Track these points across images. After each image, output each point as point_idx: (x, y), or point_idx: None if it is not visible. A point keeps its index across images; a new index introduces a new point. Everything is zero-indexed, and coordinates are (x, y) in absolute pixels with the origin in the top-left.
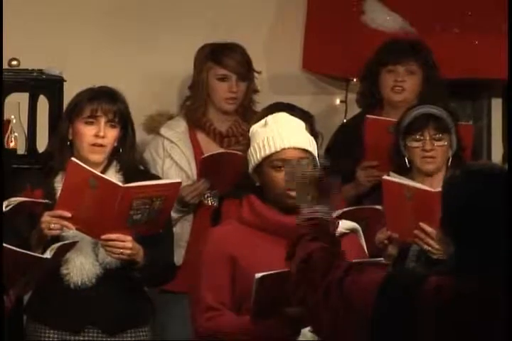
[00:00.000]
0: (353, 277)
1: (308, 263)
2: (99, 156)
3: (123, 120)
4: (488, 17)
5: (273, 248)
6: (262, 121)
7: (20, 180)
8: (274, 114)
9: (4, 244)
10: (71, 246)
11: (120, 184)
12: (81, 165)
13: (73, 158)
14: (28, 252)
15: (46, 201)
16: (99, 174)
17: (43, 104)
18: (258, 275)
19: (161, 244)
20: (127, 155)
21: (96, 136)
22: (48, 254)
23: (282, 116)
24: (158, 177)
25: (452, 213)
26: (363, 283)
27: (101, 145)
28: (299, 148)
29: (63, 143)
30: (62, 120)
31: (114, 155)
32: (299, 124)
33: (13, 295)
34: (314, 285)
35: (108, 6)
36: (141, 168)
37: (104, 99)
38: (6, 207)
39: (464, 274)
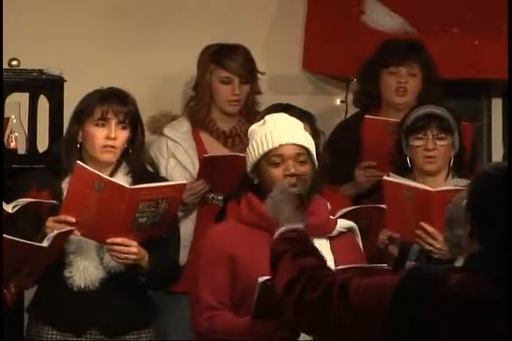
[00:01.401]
0: (359, 281)
1: (299, 283)
2: (110, 156)
3: (133, 121)
4: (488, 17)
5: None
6: (261, 121)
7: (24, 180)
8: (272, 114)
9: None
10: (68, 234)
11: (127, 186)
12: (87, 169)
13: (79, 162)
14: (26, 241)
15: (54, 202)
16: (106, 176)
17: (43, 104)
18: (261, 279)
19: (167, 246)
20: (137, 157)
21: (107, 137)
22: (45, 243)
23: (280, 116)
24: (166, 180)
25: (481, 212)
26: (374, 285)
27: (112, 147)
28: (296, 145)
29: (72, 146)
30: (71, 122)
31: (123, 157)
32: (297, 123)
33: (14, 288)
34: (305, 300)
35: (110, 6)
36: (151, 170)
37: (115, 100)
38: (14, 207)
39: (489, 273)
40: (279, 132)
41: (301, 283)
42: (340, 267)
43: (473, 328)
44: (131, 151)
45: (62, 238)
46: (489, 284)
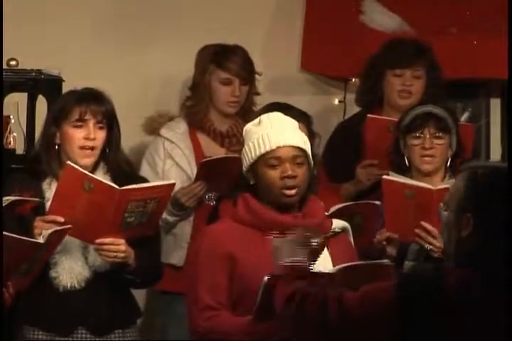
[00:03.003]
0: (353, 294)
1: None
2: (89, 159)
3: (110, 121)
4: (487, 17)
5: (269, 246)
6: (256, 120)
7: (6, 182)
8: (267, 114)
9: None
10: (63, 233)
11: (116, 187)
12: (77, 169)
13: (69, 162)
14: (21, 237)
15: (37, 199)
16: (96, 177)
17: (41, 104)
18: (267, 278)
19: (151, 245)
20: (114, 156)
21: (86, 138)
22: (41, 240)
23: (276, 115)
24: (144, 179)
25: (479, 212)
26: (371, 294)
27: (91, 148)
28: (293, 146)
29: (50, 147)
30: (48, 124)
31: (100, 156)
32: (293, 123)
33: (12, 287)
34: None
35: (107, 7)
36: (127, 169)
37: (92, 101)
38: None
39: (488, 268)
40: (275, 133)
41: (297, 300)
42: (343, 265)
43: (472, 325)
44: (108, 151)
45: (57, 236)
46: (486, 282)
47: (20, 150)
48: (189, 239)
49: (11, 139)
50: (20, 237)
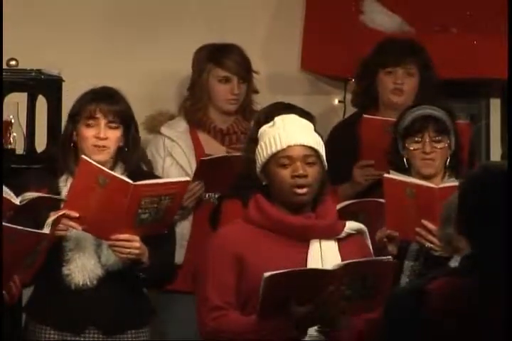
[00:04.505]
0: None
1: None
2: (102, 156)
3: (125, 120)
4: (487, 17)
5: (279, 247)
6: (271, 122)
7: (22, 179)
8: (283, 115)
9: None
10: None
11: (130, 181)
12: (92, 163)
13: (84, 156)
14: (25, 228)
15: (60, 197)
16: (110, 171)
17: (41, 104)
18: (267, 274)
19: (165, 244)
20: (132, 156)
21: (97, 137)
22: (45, 230)
23: (291, 117)
24: (161, 179)
25: (469, 212)
26: None
27: (104, 147)
28: (305, 146)
29: (67, 145)
30: (67, 122)
31: (119, 156)
32: (307, 125)
33: (18, 280)
34: None
35: (107, 6)
36: (145, 168)
37: (103, 100)
38: (21, 202)
39: (479, 274)
40: (287, 133)
41: None
42: (343, 262)
43: (461, 330)
44: (126, 150)
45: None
46: (473, 289)
47: (20, 150)
48: (189, 237)
49: (11, 139)
50: (26, 229)
